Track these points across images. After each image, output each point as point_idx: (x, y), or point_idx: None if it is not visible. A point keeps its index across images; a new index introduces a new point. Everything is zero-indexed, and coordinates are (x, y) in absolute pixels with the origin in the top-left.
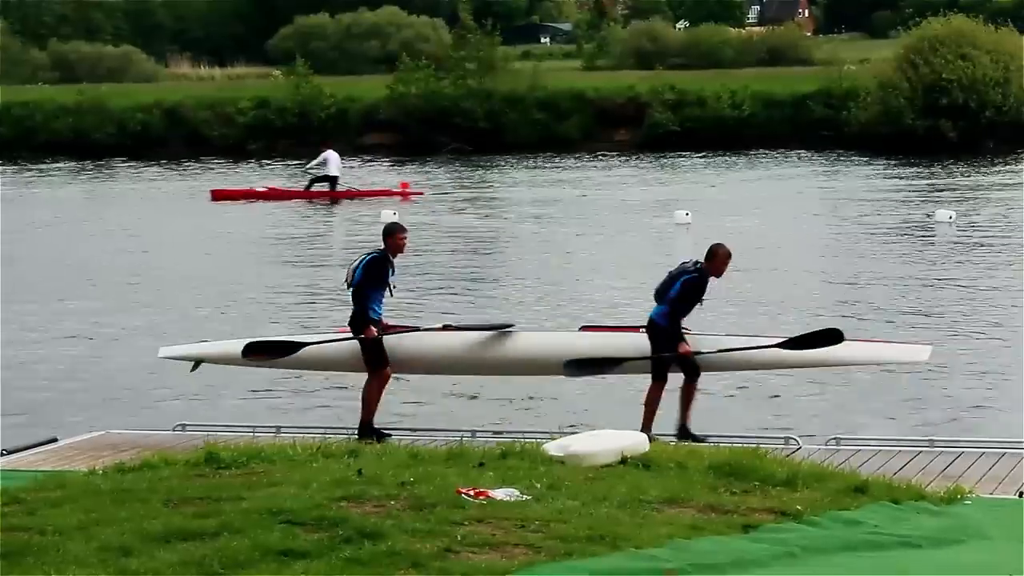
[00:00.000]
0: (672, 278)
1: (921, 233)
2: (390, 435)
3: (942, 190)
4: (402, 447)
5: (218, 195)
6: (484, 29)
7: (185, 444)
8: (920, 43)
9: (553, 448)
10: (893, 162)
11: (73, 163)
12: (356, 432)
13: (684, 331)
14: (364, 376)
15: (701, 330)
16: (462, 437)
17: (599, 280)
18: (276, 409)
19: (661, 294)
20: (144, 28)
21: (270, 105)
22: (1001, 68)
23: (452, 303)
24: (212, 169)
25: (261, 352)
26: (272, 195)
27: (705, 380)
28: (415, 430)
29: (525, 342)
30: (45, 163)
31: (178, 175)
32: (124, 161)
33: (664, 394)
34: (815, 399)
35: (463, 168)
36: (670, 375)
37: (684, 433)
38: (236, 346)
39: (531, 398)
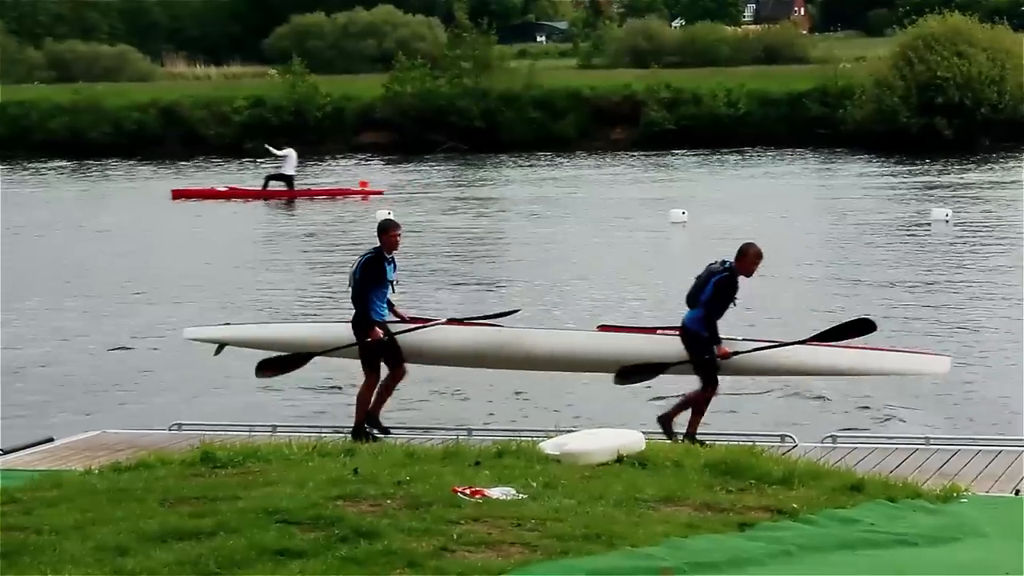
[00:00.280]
0: (702, 281)
1: (917, 231)
2: (388, 431)
3: (938, 188)
4: (398, 446)
5: (178, 195)
6: (480, 28)
7: (181, 444)
8: (916, 41)
9: (549, 447)
10: (889, 160)
11: (69, 162)
12: (350, 432)
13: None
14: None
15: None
16: (458, 436)
17: (595, 279)
18: (272, 408)
19: (693, 298)
20: (140, 27)
21: (266, 104)
22: (997, 66)
23: (447, 303)
24: (207, 168)
25: (273, 368)
26: (232, 195)
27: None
28: (411, 428)
29: (550, 340)
30: (41, 162)
31: (173, 174)
32: (120, 160)
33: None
34: (811, 397)
35: (459, 167)
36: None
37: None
38: (260, 330)
39: (527, 397)
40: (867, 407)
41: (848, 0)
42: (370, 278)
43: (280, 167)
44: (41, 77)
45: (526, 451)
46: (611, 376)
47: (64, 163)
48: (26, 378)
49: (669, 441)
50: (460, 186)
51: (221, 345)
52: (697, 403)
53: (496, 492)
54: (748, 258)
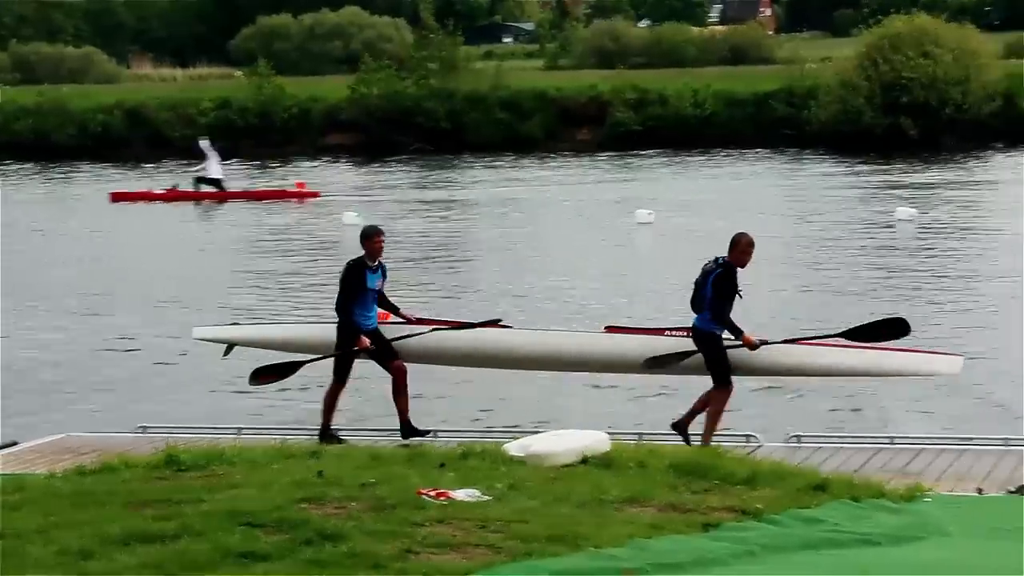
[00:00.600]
0: (701, 283)
1: (882, 231)
2: (427, 432)
3: (903, 188)
4: (363, 448)
5: (117, 197)
6: (446, 29)
7: (146, 446)
8: (881, 41)
9: (514, 448)
10: (854, 160)
11: (34, 165)
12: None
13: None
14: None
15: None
16: (423, 438)
17: (562, 279)
18: (237, 410)
19: (697, 302)
20: (105, 28)
21: (232, 106)
22: (962, 66)
23: (413, 307)
24: (173, 171)
25: (267, 375)
26: (170, 196)
27: (674, 380)
28: (376, 430)
29: (559, 342)
30: (5, 164)
31: (138, 176)
32: (86, 163)
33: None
34: (776, 396)
35: (425, 168)
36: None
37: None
38: (270, 330)
39: (492, 398)
40: (832, 407)
41: (814, 0)
42: (350, 287)
43: (204, 169)
44: (5, 79)
45: (491, 453)
46: (568, 376)
47: (29, 166)
48: None
49: (632, 443)
50: (426, 188)
51: (230, 345)
52: (712, 406)
53: (461, 494)
54: (740, 248)
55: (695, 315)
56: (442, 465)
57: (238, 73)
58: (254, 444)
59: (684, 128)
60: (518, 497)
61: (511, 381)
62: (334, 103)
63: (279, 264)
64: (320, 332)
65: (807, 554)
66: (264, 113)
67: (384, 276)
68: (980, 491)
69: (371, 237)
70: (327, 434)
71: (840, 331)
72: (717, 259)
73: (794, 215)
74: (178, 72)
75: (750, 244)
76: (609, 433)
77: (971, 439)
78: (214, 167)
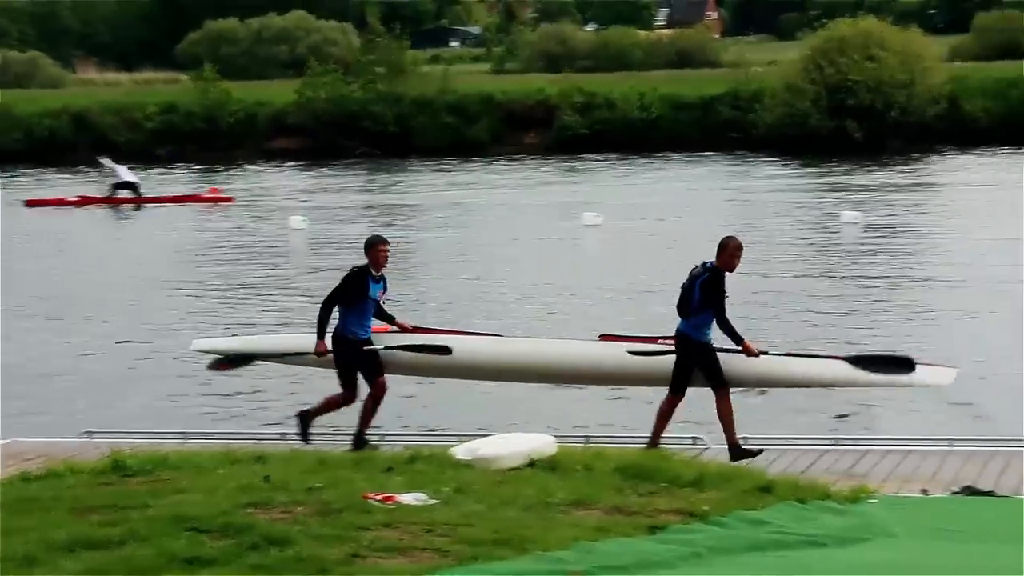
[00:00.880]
0: (688, 289)
1: (827, 234)
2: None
3: (848, 191)
4: (310, 453)
5: (32, 203)
6: (393, 33)
7: (92, 452)
8: (827, 45)
9: (461, 452)
10: (800, 163)
11: None
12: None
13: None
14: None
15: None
16: (370, 441)
17: (510, 283)
18: (183, 415)
19: (683, 308)
20: (50, 33)
21: (178, 110)
22: (907, 69)
23: None
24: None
25: (224, 363)
26: (84, 203)
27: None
28: (322, 434)
29: (556, 351)
30: None
31: (82, 182)
32: (31, 168)
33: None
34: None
35: (372, 173)
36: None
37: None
38: (270, 341)
39: (439, 402)
40: (779, 409)
41: (759, 4)
42: (347, 295)
43: (116, 175)
44: None
45: (438, 456)
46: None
47: None
48: None
49: (579, 446)
50: (373, 192)
51: (227, 357)
52: (722, 413)
53: (407, 498)
54: (727, 252)
55: (681, 320)
56: (389, 469)
57: (184, 77)
58: (200, 449)
59: (631, 131)
60: (465, 500)
61: (458, 385)
62: (280, 107)
63: (226, 269)
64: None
65: (753, 556)
66: (210, 118)
67: (385, 288)
68: (925, 492)
69: (375, 246)
70: (363, 438)
71: (844, 355)
72: (705, 263)
73: (740, 218)
74: (124, 77)
75: (738, 248)
76: (555, 436)
77: (916, 440)
78: (126, 172)
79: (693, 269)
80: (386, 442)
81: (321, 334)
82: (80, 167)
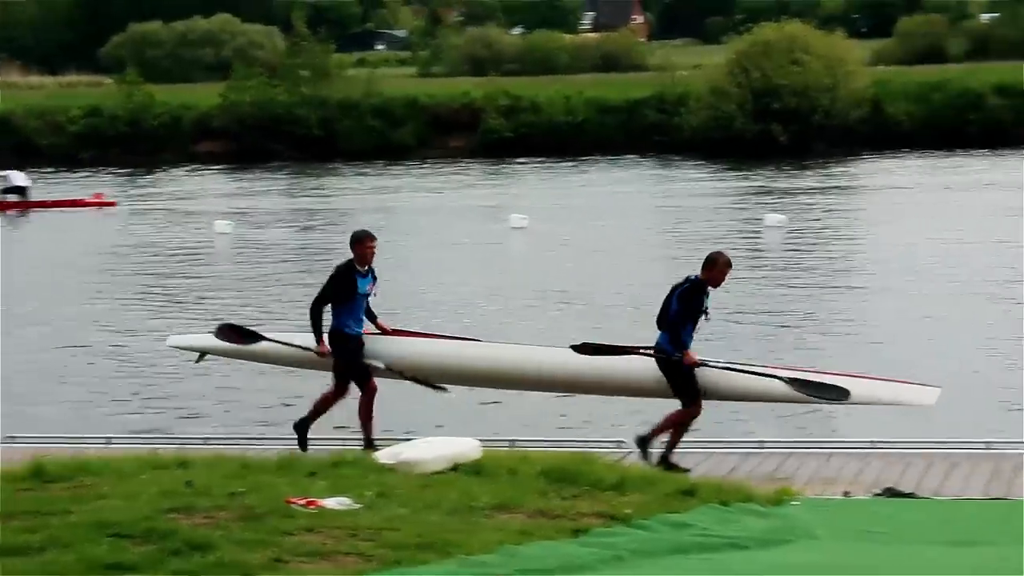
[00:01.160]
0: (667, 299)
1: (752, 238)
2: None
3: (773, 194)
4: (233, 457)
5: None
6: (318, 36)
7: (13, 456)
8: (752, 48)
9: (384, 456)
10: (725, 166)
11: None
12: (294, 427)
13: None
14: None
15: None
16: (293, 445)
17: (436, 286)
18: (106, 419)
19: (662, 320)
20: None
21: (102, 114)
22: (831, 73)
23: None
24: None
25: (232, 334)
26: None
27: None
28: (247, 439)
29: (534, 358)
30: None
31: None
32: None
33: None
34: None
35: (297, 176)
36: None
37: (665, 462)
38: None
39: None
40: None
41: (685, 8)
42: (336, 293)
43: (6, 179)
44: None
45: (361, 461)
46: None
47: None
48: None
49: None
50: (298, 195)
51: (203, 353)
52: (676, 423)
53: (331, 502)
54: (717, 267)
55: (660, 333)
56: (312, 474)
57: (108, 80)
58: (122, 454)
59: (556, 135)
60: (388, 505)
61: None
62: (205, 111)
63: (149, 273)
64: (301, 341)
65: (676, 558)
66: (134, 121)
67: (374, 281)
68: (847, 494)
69: (362, 241)
70: (371, 442)
71: (784, 376)
72: (688, 277)
73: (664, 221)
74: (48, 80)
75: (727, 264)
76: (480, 440)
77: (839, 443)
78: (17, 178)
79: (676, 283)
80: (310, 446)
81: (319, 335)
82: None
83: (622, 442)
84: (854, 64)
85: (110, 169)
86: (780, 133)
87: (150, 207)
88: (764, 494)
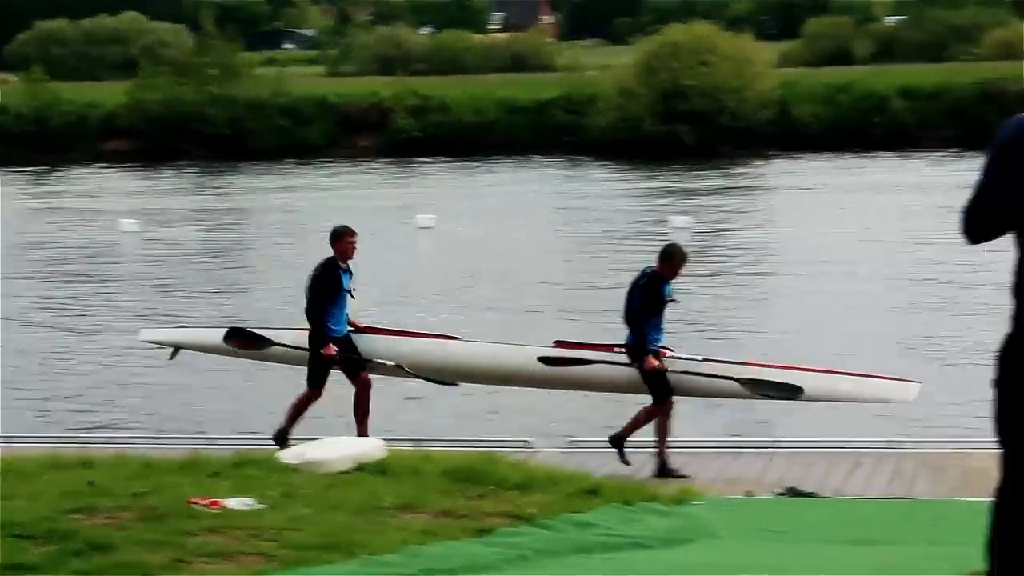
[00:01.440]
0: (629, 295)
1: (658, 239)
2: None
3: (679, 195)
4: (136, 457)
5: None
6: (226, 35)
7: None
8: (661, 49)
9: (288, 456)
10: (632, 167)
11: None
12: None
13: (664, 349)
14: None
15: None
16: (198, 445)
17: None
18: (6, 420)
19: (628, 316)
20: None
21: (7, 112)
22: (738, 74)
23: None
24: None
25: (241, 339)
26: None
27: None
28: (150, 438)
29: (513, 355)
30: None
31: None
32: None
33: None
34: (557, 400)
35: (205, 175)
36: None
37: (663, 470)
38: (216, 334)
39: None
40: (611, 411)
41: (593, 8)
42: (324, 290)
43: None
44: None
45: (265, 460)
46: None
47: None
48: None
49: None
50: (206, 194)
51: (176, 349)
52: (640, 420)
53: (234, 502)
54: (673, 260)
55: (628, 330)
56: (216, 474)
57: (14, 78)
58: (24, 454)
59: (465, 135)
60: (292, 505)
61: (284, 387)
62: (112, 109)
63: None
64: (272, 336)
65: (579, 558)
66: (40, 119)
67: (352, 277)
68: (750, 494)
69: (342, 237)
70: (284, 439)
71: (738, 377)
72: (645, 270)
73: (572, 222)
74: None
75: (683, 257)
76: (385, 439)
77: (742, 443)
78: None
79: (635, 277)
80: (214, 446)
81: (325, 339)
82: None
83: (527, 441)
84: (761, 66)
85: (15, 168)
86: (687, 134)
87: (55, 206)
88: (667, 494)
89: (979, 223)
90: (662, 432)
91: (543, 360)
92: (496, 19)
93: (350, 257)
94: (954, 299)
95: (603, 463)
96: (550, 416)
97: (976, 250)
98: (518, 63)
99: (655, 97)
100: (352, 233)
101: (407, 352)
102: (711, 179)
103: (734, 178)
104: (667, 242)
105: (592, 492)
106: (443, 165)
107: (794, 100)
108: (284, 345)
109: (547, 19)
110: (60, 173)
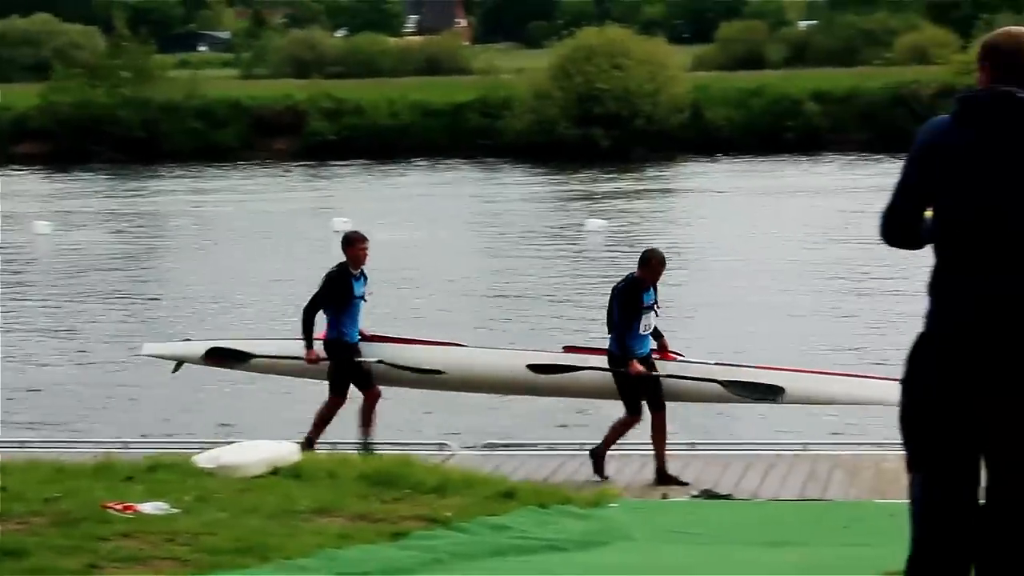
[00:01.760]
0: (610, 301)
1: (573, 241)
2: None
3: (594, 198)
4: (48, 462)
5: None
6: (139, 37)
7: None
8: (575, 53)
9: (203, 460)
10: (547, 171)
11: None
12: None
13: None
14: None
15: None
16: (111, 449)
17: (256, 290)
18: None
19: (609, 322)
20: None
21: None
22: (652, 78)
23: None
24: None
25: (220, 358)
26: None
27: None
28: (63, 442)
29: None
30: None
31: None
32: None
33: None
34: (476, 401)
35: (118, 178)
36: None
37: (663, 477)
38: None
39: (181, 408)
40: (528, 414)
41: (508, 11)
42: (335, 297)
43: None
44: None
45: (179, 465)
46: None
47: None
48: None
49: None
50: (119, 198)
51: (180, 363)
52: (616, 431)
53: (148, 507)
54: (651, 265)
55: (609, 336)
56: (129, 478)
57: None
58: None
59: (380, 138)
60: (207, 509)
61: (197, 389)
62: (23, 111)
63: None
64: (276, 348)
65: (495, 561)
66: None
67: (366, 282)
68: (665, 496)
69: (354, 243)
70: (312, 446)
71: (720, 379)
72: (626, 277)
73: (487, 224)
74: None
75: (661, 262)
76: (299, 443)
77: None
78: None
79: (616, 284)
80: (128, 450)
81: (309, 341)
82: None
83: (444, 444)
84: (675, 69)
85: None
86: (602, 138)
87: None
88: (583, 496)
89: (895, 227)
90: (660, 441)
91: (532, 368)
92: (411, 22)
93: (362, 263)
94: (867, 302)
95: (519, 466)
96: (466, 419)
97: (890, 253)
98: (433, 66)
99: (570, 100)
100: (364, 239)
101: (409, 359)
102: (626, 182)
103: (648, 181)
104: (579, 244)
105: (508, 495)
106: (358, 168)
107: (707, 104)
108: (267, 356)
109: (461, 22)
110: None
